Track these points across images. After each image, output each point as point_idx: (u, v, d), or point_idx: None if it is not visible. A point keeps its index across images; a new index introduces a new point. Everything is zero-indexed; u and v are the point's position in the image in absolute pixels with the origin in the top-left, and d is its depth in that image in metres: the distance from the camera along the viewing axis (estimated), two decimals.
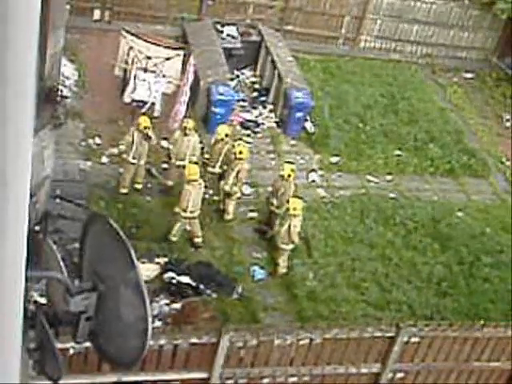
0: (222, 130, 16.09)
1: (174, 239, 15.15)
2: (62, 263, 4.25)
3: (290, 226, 14.61)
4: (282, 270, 15.07)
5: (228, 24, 21.20)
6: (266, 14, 22.44)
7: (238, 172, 15.49)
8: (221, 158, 15.98)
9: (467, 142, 20.52)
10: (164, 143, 17.28)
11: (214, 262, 14.89)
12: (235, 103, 19.13)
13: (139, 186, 16.14)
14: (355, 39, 23.55)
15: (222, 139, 15.95)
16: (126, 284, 4.02)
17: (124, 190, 15.96)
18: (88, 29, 20.43)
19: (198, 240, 15.28)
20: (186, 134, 15.71)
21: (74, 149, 16.87)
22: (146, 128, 15.53)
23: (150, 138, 15.61)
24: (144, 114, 17.01)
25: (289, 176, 15.44)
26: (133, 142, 15.56)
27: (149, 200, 16.04)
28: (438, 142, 20.04)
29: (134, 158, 15.68)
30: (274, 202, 15.56)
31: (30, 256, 3.25)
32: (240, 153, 15.43)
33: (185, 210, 14.80)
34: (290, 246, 14.88)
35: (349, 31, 23.44)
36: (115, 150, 16.29)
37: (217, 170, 16.09)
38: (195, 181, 14.61)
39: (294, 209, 14.51)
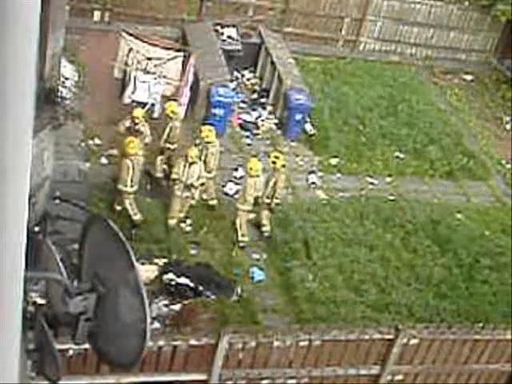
0: (169, 106, 16.31)
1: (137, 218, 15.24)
2: (61, 264, 4.25)
3: (248, 187, 15.09)
4: (267, 228, 15.67)
5: (228, 25, 21.19)
6: (265, 16, 22.44)
7: (206, 156, 15.71)
8: (166, 132, 16.07)
9: (467, 145, 20.52)
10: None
11: (213, 264, 14.89)
12: (235, 104, 19.15)
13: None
14: (355, 41, 23.55)
15: (168, 115, 16.18)
16: (125, 285, 4.02)
17: (121, 186, 15.85)
18: (88, 30, 20.42)
19: (136, 218, 15.25)
20: (190, 164, 14.99)
21: (74, 150, 16.86)
22: (137, 120, 15.57)
23: (139, 132, 15.58)
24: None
25: (281, 166, 15.47)
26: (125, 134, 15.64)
27: (148, 201, 16.03)
28: (438, 144, 20.03)
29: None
30: (266, 192, 15.55)
31: (30, 257, 3.25)
32: (207, 137, 15.74)
33: (126, 186, 14.93)
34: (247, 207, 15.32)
35: (349, 33, 23.44)
36: (115, 151, 16.30)
37: (161, 144, 16.23)
38: (134, 155, 14.74)
39: (251, 169, 15.01)
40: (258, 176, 15.16)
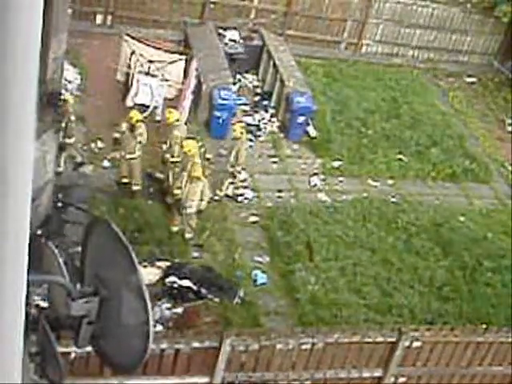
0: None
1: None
2: (63, 267, 4.25)
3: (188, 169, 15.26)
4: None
5: (230, 28, 21.23)
6: (268, 19, 22.45)
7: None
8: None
9: (469, 147, 20.52)
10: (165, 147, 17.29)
11: (215, 266, 14.88)
12: (237, 107, 19.16)
13: (137, 188, 16.06)
14: (357, 44, 23.56)
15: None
16: (128, 288, 4.02)
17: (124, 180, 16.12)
18: (90, 33, 20.45)
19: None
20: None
21: (76, 153, 16.86)
22: (136, 122, 15.57)
23: (138, 132, 15.64)
24: (145, 117, 17.03)
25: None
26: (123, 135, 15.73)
27: (150, 204, 16.03)
28: (440, 146, 20.03)
29: (123, 152, 15.77)
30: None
31: (32, 260, 3.25)
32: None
33: None
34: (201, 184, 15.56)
35: (351, 36, 23.45)
36: (117, 154, 16.30)
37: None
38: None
39: (190, 150, 15.24)
40: (193, 156, 15.32)
